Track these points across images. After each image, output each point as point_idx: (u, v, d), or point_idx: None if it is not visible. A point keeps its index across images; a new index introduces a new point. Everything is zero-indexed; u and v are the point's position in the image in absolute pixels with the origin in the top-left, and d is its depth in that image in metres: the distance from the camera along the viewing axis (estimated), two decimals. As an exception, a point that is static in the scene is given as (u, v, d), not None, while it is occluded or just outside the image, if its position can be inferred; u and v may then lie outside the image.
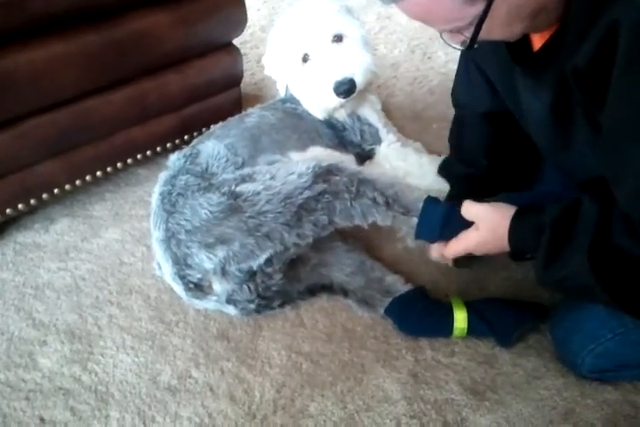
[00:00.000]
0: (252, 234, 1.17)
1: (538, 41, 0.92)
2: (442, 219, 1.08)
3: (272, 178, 1.20)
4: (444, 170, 1.40)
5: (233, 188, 1.20)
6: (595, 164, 0.89)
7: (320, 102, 1.39)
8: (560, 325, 1.10)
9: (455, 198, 1.18)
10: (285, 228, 1.17)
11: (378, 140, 1.50)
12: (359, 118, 1.48)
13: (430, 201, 1.12)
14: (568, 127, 0.94)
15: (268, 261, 1.19)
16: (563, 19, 0.84)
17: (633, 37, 0.73)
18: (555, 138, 1.00)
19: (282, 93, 1.51)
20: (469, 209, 1.03)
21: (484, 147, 1.29)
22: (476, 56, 1.18)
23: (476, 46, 0.87)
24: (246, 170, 1.26)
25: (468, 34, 0.85)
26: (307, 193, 1.17)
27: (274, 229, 1.17)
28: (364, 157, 1.49)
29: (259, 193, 1.18)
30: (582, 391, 1.08)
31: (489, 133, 1.28)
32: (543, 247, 0.90)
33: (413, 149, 1.54)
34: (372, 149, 1.49)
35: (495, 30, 0.85)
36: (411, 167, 1.47)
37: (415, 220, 1.14)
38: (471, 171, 1.30)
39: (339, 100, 1.36)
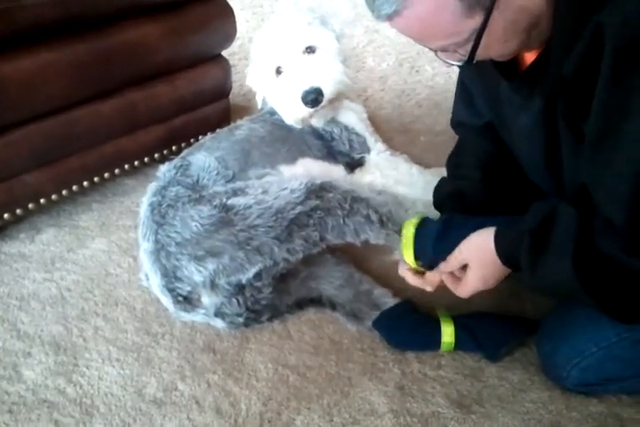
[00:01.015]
0: (242, 247, 1.17)
1: (528, 58, 0.93)
2: (433, 240, 1.08)
3: (264, 192, 1.21)
4: (435, 195, 1.35)
5: (224, 201, 1.21)
6: (578, 172, 0.91)
7: (291, 112, 1.40)
8: (546, 338, 1.11)
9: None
10: (276, 242, 1.17)
11: (366, 149, 1.51)
12: (346, 128, 1.49)
13: (421, 224, 1.12)
14: (556, 140, 0.95)
15: (258, 276, 1.19)
16: (552, 33, 0.85)
17: (617, 43, 0.74)
18: (543, 153, 1.00)
19: (259, 106, 1.53)
20: (454, 256, 1.04)
21: (479, 157, 1.27)
22: (461, 73, 1.19)
23: (473, 62, 0.88)
24: (238, 184, 1.26)
25: (464, 51, 0.85)
26: (299, 208, 1.18)
27: (264, 244, 1.17)
28: (354, 165, 1.50)
29: (250, 207, 1.18)
30: (567, 404, 1.08)
31: (485, 145, 1.26)
32: (525, 254, 0.91)
33: (403, 159, 1.55)
34: (362, 158, 1.50)
35: (492, 46, 0.85)
36: (401, 176, 1.48)
37: None
38: (463, 184, 1.26)
39: (307, 110, 1.37)
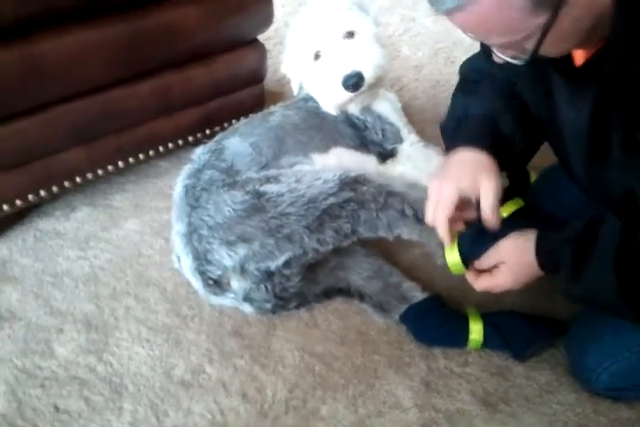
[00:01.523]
0: (272, 234, 1.17)
1: (580, 54, 0.91)
2: (470, 238, 1.08)
3: (297, 181, 1.21)
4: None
5: (257, 187, 1.21)
6: (626, 178, 0.90)
7: (330, 97, 1.40)
8: (576, 340, 1.10)
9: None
10: (306, 231, 1.18)
11: (399, 140, 1.49)
12: (380, 117, 1.48)
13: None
14: (604, 140, 0.93)
15: (287, 264, 1.20)
16: (612, 34, 0.83)
17: None
18: (590, 150, 0.99)
19: (295, 93, 1.52)
20: (490, 254, 1.03)
21: (503, 93, 1.18)
22: (503, 69, 1.16)
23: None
24: (272, 171, 1.27)
25: (523, 48, 0.83)
26: (331, 199, 1.18)
27: (295, 232, 1.17)
28: (386, 156, 1.49)
29: (282, 194, 1.19)
30: (595, 408, 1.08)
31: (504, 86, 1.17)
32: (567, 261, 0.90)
33: (436, 151, 1.54)
34: (394, 148, 1.49)
35: (553, 44, 0.82)
36: (433, 169, 1.46)
37: None
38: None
39: (347, 95, 1.36)
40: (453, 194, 1.02)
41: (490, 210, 1.01)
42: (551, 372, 1.15)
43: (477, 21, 0.79)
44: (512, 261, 1.01)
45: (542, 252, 0.95)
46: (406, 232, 1.21)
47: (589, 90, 0.91)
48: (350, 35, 1.38)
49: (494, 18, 0.77)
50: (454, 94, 1.33)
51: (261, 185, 1.22)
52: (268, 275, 1.20)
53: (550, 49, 0.84)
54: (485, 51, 1.06)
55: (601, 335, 1.05)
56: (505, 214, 1.36)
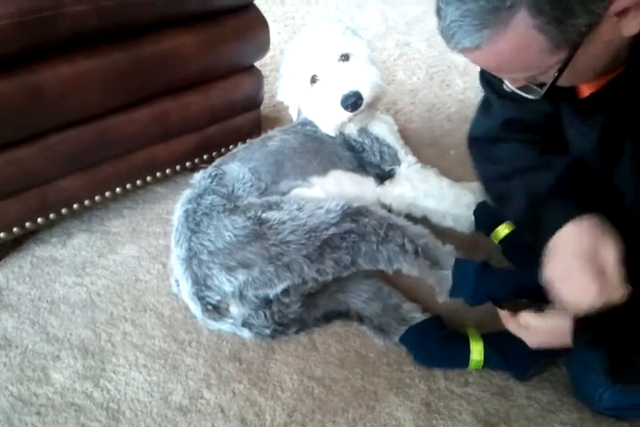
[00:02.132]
0: (272, 262, 1.17)
1: (586, 86, 0.92)
2: (474, 275, 1.09)
3: (299, 209, 1.21)
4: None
5: (259, 213, 1.21)
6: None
7: (329, 118, 1.41)
8: (577, 359, 1.09)
9: None
10: (306, 261, 1.17)
11: (397, 161, 1.51)
12: (377, 139, 1.49)
13: (459, 263, 1.14)
14: (613, 163, 0.94)
15: (285, 292, 1.19)
16: (627, 67, 0.83)
17: None
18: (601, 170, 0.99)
19: (294, 119, 1.54)
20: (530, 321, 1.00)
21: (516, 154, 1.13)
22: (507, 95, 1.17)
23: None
24: (274, 198, 1.27)
25: (542, 79, 0.82)
26: (333, 229, 1.18)
27: (294, 261, 1.17)
28: (384, 177, 1.50)
29: (284, 222, 1.19)
30: (598, 428, 1.07)
31: (513, 146, 1.14)
32: None
33: (433, 172, 1.55)
34: (392, 170, 1.50)
35: (568, 79, 0.81)
36: (431, 189, 1.48)
37: (443, 273, 1.16)
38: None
39: (346, 114, 1.38)
40: None
41: None
42: (553, 391, 1.14)
43: (494, 60, 0.79)
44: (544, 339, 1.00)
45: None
46: (406, 267, 1.21)
47: (597, 119, 0.92)
48: (345, 57, 1.41)
49: (512, 57, 0.77)
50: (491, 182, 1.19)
51: (263, 211, 1.22)
52: (267, 302, 1.20)
53: (564, 83, 0.84)
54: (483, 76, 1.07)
55: (602, 355, 1.04)
56: (504, 234, 1.37)
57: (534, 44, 0.74)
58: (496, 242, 1.42)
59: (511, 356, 1.14)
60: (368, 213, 1.22)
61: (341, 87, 1.36)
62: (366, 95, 1.37)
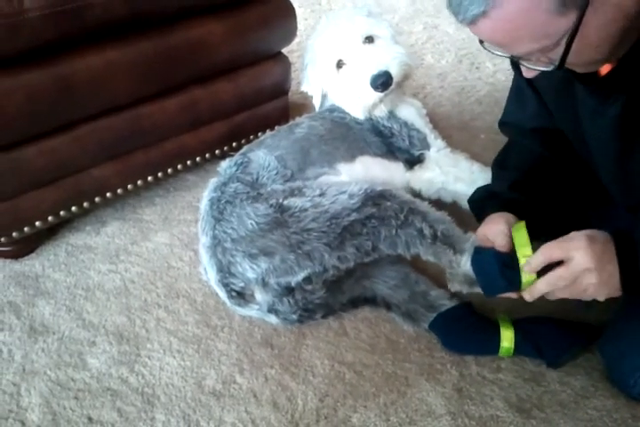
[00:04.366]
0: (293, 250, 1.17)
1: (605, 66, 0.90)
2: (499, 265, 1.01)
3: (322, 195, 1.20)
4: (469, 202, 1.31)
5: (281, 201, 1.21)
6: None
7: (359, 101, 1.41)
8: (611, 344, 1.08)
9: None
10: (327, 249, 1.17)
11: (426, 146, 1.50)
12: (406, 124, 1.48)
13: (478, 252, 1.09)
14: (631, 148, 0.92)
15: (307, 279, 1.19)
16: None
17: None
18: (619, 155, 0.97)
19: (316, 108, 1.54)
20: (552, 250, 0.93)
21: (523, 160, 1.22)
22: (516, 76, 1.16)
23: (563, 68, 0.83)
24: (297, 183, 1.27)
25: (551, 57, 0.82)
26: (354, 215, 1.17)
27: (315, 249, 1.17)
28: (413, 162, 1.49)
29: (306, 209, 1.18)
30: (633, 414, 1.05)
31: (532, 148, 1.22)
32: None
33: (463, 156, 1.53)
34: (422, 155, 1.49)
35: (584, 51, 0.80)
36: (461, 173, 1.46)
37: (462, 259, 1.13)
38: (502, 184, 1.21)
39: (377, 95, 1.38)
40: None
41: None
42: (586, 377, 1.12)
43: (502, 28, 0.78)
44: (586, 255, 0.88)
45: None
46: (423, 252, 1.18)
47: (615, 98, 0.90)
48: (370, 39, 1.41)
49: (519, 22, 0.76)
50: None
51: (285, 198, 1.22)
52: (289, 290, 1.20)
53: (581, 57, 0.82)
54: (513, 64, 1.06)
55: (637, 340, 1.03)
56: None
57: (541, 4, 0.74)
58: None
59: (542, 343, 1.13)
60: (391, 197, 1.20)
61: (370, 68, 1.35)
62: (395, 74, 1.37)
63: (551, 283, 0.93)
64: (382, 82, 1.35)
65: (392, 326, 1.26)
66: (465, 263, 1.13)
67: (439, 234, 1.16)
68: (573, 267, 0.90)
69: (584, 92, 0.96)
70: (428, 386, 1.14)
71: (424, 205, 1.22)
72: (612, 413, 1.06)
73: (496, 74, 2.10)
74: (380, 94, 1.37)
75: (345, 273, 1.26)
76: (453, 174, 1.46)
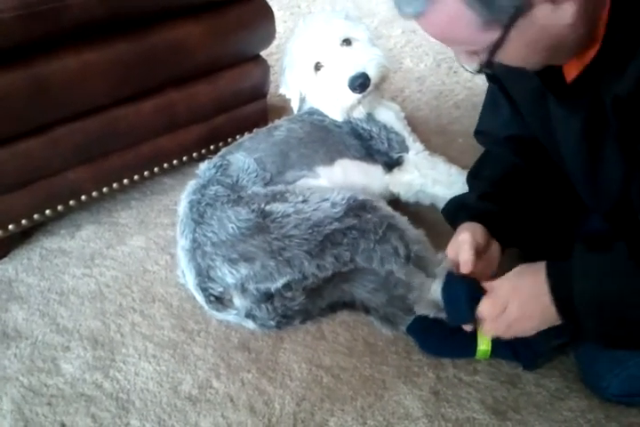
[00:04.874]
0: (274, 256, 1.17)
1: (571, 70, 0.91)
2: (467, 299, 1.04)
3: (304, 201, 1.20)
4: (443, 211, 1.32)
5: (263, 206, 1.21)
6: (620, 192, 0.90)
7: (338, 103, 1.41)
8: (586, 346, 1.09)
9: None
10: (307, 256, 1.17)
11: (405, 149, 1.51)
12: (385, 127, 1.49)
13: (449, 281, 1.10)
14: (598, 155, 0.93)
15: (287, 286, 1.19)
16: (601, 48, 0.83)
17: None
18: (584, 165, 0.99)
19: (295, 111, 1.54)
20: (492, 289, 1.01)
21: (496, 169, 1.24)
22: (506, 83, 1.17)
23: (489, 72, 0.89)
24: (279, 187, 1.27)
25: (483, 57, 0.84)
26: (335, 225, 1.17)
27: (296, 256, 1.16)
28: (392, 165, 1.50)
29: (288, 215, 1.18)
30: (607, 414, 1.06)
31: (506, 157, 1.23)
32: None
33: (442, 159, 1.54)
34: (400, 157, 1.50)
35: (511, 58, 0.85)
36: (439, 176, 1.48)
37: (431, 282, 1.14)
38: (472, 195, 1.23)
39: (355, 97, 1.38)
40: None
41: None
42: (561, 379, 1.13)
43: (435, 30, 0.83)
44: (519, 295, 0.96)
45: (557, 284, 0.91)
46: (396, 270, 1.18)
47: (581, 106, 0.91)
48: (347, 42, 1.42)
49: (448, 29, 0.80)
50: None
51: (267, 203, 1.22)
52: (268, 296, 1.20)
53: (510, 63, 0.87)
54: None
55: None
56: None
57: (464, 19, 0.77)
58: None
59: (519, 346, 1.13)
60: (371, 210, 1.20)
61: (347, 70, 1.36)
62: (373, 75, 1.37)
63: (489, 320, 1.01)
64: (360, 83, 1.35)
65: (370, 329, 1.26)
66: (435, 291, 1.13)
67: (412, 255, 1.17)
68: (496, 294, 1.00)
69: (555, 102, 0.97)
70: (405, 389, 1.14)
71: (402, 222, 1.22)
72: (586, 414, 1.07)
73: (474, 78, 2.11)
74: (358, 96, 1.38)
75: (324, 279, 1.25)
76: (432, 177, 1.47)
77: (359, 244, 1.18)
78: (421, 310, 1.17)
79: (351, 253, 1.19)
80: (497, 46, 0.80)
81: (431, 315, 1.16)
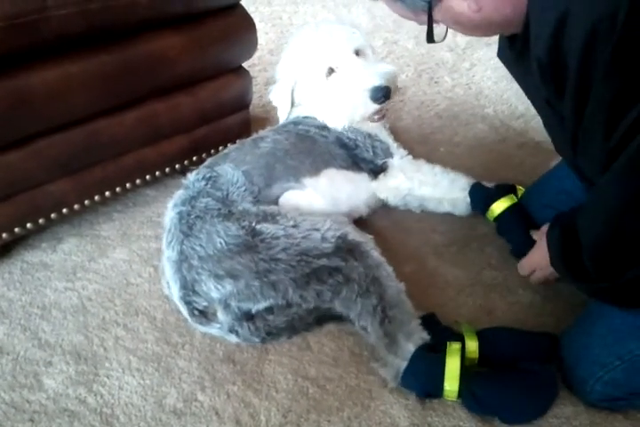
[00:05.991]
0: (259, 277, 1.16)
1: None
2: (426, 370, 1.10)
3: (295, 226, 1.20)
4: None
5: (253, 224, 1.20)
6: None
7: (354, 111, 1.43)
8: (567, 352, 1.10)
9: None
10: (292, 284, 1.16)
11: (389, 155, 1.53)
12: (369, 135, 1.52)
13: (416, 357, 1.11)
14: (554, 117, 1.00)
15: (269, 310, 1.18)
16: (525, 19, 0.92)
17: (583, 32, 0.79)
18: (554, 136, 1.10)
19: (281, 120, 1.55)
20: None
21: None
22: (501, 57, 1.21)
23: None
24: (271, 208, 1.27)
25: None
26: (324, 261, 1.17)
27: (281, 281, 1.16)
28: (377, 172, 1.52)
29: (278, 237, 1.18)
30: (592, 420, 1.07)
31: None
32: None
33: (424, 161, 1.57)
34: (385, 163, 1.53)
35: (453, 30, 1.04)
36: (425, 177, 1.50)
37: (402, 364, 1.12)
38: None
39: (374, 107, 1.41)
40: None
41: None
42: (547, 386, 1.13)
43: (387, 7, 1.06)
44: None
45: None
46: (369, 328, 1.17)
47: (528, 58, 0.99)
48: (358, 53, 1.45)
49: (392, 8, 1.04)
50: None
51: (258, 222, 1.21)
52: (249, 316, 1.19)
53: (457, 32, 1.05)
54: None
55: (591, 346, 1.05)
56: (499, 211, 1.40)
57: (399, 7, 1.02)
58: (491, 220, 1.45)
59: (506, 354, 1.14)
60: (359, 256, 1.19)
61: (369, 79, 1.39)
62: (393, 87, 1.41)
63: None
64: (383, 94, 1.38)
65: (356, 338, 1.25)
66: (400, 367, 1.13)
67: (386, 321, 1.15)
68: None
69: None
70: (391, 398, 1.13)
71: (386, 274, 1.21)
72: (571, 420, 1.07)
73: (454, 88, 2.13)
74: (378, 106, 1.41)
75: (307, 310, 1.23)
76: (417, 179, 1.50)
77: (342, 290, 1.17)
78: (383, 372, 1.16)
79: (332, 296, 1.18)
80: (430, 25, 1.00)
81: (392, 384, 1.15)
